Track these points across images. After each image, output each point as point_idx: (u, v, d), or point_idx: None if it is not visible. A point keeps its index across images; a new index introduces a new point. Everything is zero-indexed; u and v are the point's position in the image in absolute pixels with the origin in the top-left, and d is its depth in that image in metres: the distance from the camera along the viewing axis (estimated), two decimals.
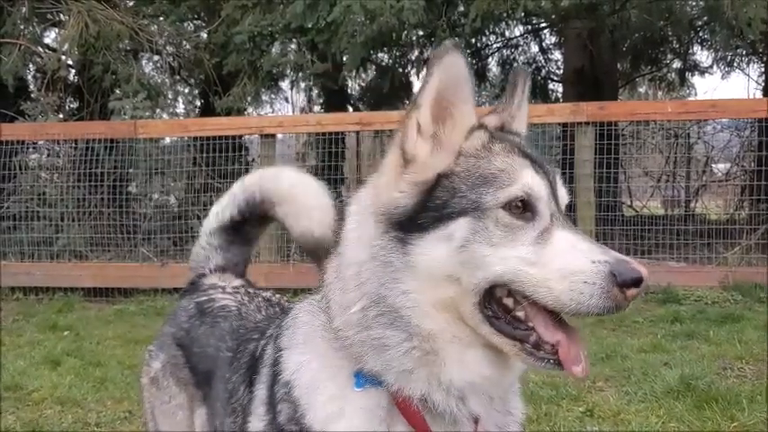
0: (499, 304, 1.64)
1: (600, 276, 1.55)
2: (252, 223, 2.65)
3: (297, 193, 2.46)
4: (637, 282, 1.56)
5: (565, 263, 1.58)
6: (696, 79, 19.49)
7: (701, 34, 15.37)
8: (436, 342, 1.65)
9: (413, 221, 1.65)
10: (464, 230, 1.61)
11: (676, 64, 17.35)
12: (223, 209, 2.63)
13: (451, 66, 1.66)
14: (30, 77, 13.97)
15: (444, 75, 1.67)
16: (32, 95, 13.15)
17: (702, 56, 16.80)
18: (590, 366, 1.65)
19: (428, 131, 1.70)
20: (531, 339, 1.63)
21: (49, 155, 11.68)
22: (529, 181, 1.65)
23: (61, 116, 12.70)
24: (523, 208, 1.64)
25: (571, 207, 9.26)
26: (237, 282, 2.60)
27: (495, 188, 1.63)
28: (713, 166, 12.98)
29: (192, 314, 2.51)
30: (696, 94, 20.24)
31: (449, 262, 1.61)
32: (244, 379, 2.01)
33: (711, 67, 16.65)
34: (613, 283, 1.55)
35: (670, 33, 14.08)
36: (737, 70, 16.90)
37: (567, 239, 1.62)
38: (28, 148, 11.13)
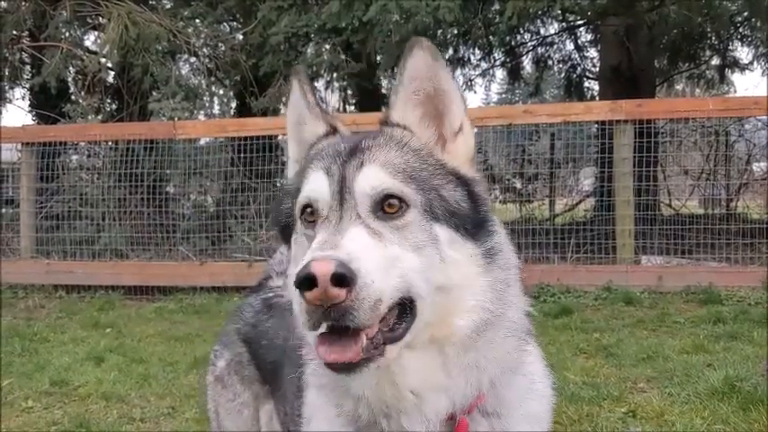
0: None
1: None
2: None
3: None
4: (303, 281, 1.26)
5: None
6: (736, 76, 19.23)
7: (741, 30, 15.06)
8: None
9: None
10: (294, 250, 1.64)
11: (715, 60, 17.05)
12: None
13: (291, 104, 1.82)
14: (70, 80, 14.22)
15: (289, 112, 1.82)
16: (73, 97, 13.40)
17: (742, 52, 16.48)
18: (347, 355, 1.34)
19: (296, 157, 1.82)
20: None
21: (89, 156, 11.90)
22: (310, 185, 1.55)
23: (101, 117, 12.92)
24: (317, 214, 1.53)
25: (609, 206, 9.25)
26: None
27: (296, 200, 1.61)
28: (754, 164, 12.70)
29: (258, 309, 2.56)
30: (735, 92, 19.98)
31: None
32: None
33: (752, 63, 16.32)
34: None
35: (709, 29, 13.80)
36: None
37: (316, 243, 1.40)
38: (68, 150, 11.34)
